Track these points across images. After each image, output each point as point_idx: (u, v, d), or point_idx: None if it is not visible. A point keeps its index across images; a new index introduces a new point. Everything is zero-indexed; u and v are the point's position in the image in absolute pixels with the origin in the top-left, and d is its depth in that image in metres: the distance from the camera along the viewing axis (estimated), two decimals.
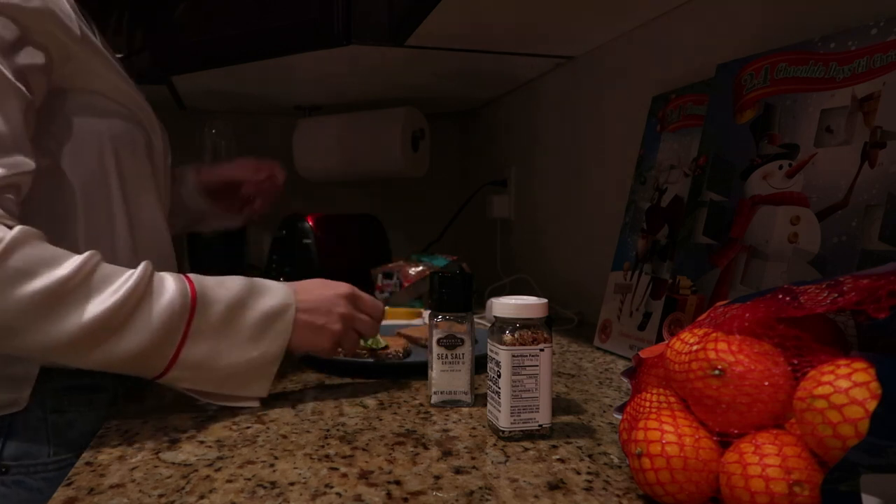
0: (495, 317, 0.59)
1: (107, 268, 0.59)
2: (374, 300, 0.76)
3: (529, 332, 0.58)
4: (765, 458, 0.39)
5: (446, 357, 0.68)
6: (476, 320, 0.75)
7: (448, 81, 1.52)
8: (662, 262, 0.92)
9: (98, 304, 0.56)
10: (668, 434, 0.43)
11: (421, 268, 1.33)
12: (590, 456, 0.55)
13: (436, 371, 0.68)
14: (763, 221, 0.71)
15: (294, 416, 0.66)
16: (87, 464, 0.53)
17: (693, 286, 0.79)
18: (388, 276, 1.34)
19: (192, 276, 0.65)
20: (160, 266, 0.68)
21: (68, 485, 0.49)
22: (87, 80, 0.70)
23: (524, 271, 1.53)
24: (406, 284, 1.32)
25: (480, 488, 0.49)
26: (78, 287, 0.56)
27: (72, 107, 0.69)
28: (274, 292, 0.68)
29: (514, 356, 0.57)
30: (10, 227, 0.55)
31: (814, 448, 0.38)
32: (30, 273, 0.54)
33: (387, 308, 1.23)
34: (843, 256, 0.62)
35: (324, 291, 0.72)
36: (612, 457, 0.55)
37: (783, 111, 0.71)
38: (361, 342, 0.80)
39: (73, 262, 0.57)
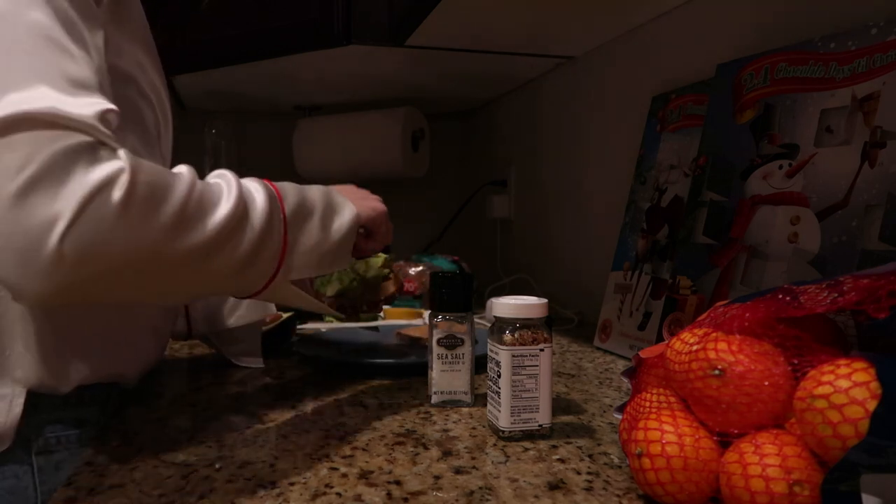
0: (495, 317, 0.59)
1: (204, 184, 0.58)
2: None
3: (529, 332, 0.58)
4: (765, 458, 0.39)
5: (446, 357, 0.68)
6: (476, 320, 0.75)
7: (448, 81, 1.52)
8: (662, 262, 0.92)
9: (222, 207, 0.55)
10: (668, 434, 0.43)
11: (421, 268, 1.33)
12: (590, 456, 0.55)
13: (436, 371, 0.68)
14: (763, 221, 0.71)
15: (294, 416, 0.66)
16: (87, 464, 0.53)
17: (693, 286, 0.79)
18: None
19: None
20: None
21: (68, 485, 0.49)
22: (130, 63, 0.68)
23: (524, 271, 1.53)
24: (406, 284, 1.32)
25: (480, 488, 0.49)
26: (200, 197, 0.54)
27: (115, 84, 0.67)
28: (315, 186, 0.69)
29: (514, 356, 0.57)
30: (117, 152, 0.50)
31: (814, 448, 0.38)
32: (159, 195, 0.50)
33: (386, 308, 1.23)
34: (843, 256, 0.62)
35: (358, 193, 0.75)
36: (612, 457, 0.55)
37: (783, 111, 0.71)
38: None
39: (186, 173, 0.54)
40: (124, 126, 0.67)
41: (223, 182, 0.57)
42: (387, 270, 0.87)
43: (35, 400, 0.63)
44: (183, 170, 0.54)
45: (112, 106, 0.52)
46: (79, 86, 0.51)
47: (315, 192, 0.67)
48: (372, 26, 1.16)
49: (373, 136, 1.63)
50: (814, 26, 0.74)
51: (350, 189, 0.76)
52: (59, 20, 0.52)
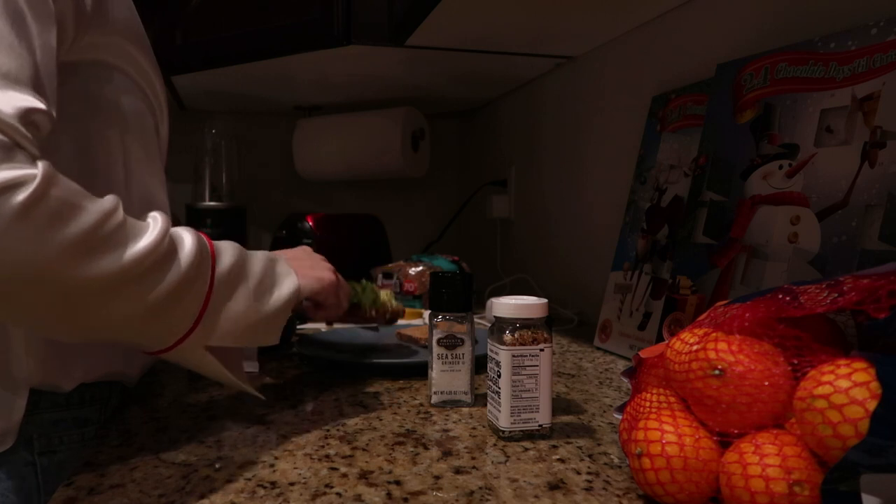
0: (495, 317, 0.59)
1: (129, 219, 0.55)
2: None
3: (529, 332, 0.58)
4: (765, 458, 0.39)
5: (446, 357, 0.68)
6: (476, 320, 0.75)
7: (448, 81, 1.52)
8: (662, 262, 0.92)
9: (139, 243, 0.51)
10: (668, 434, 0.43)
11: (421, 268, 1.33)
12: (590, 456, 0.55)
13: (436, 371, 0.68)
14: (763, 221, 0.71)
15: (294, 416, 0.66)
16: (87, 464, 0.53)
17: (693, 286, 0.79)
18: (388, 276, 1.34)
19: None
20: None
21: (68, 485, 0.49)
22: (117, 55, 0.67)
23: (524, 271, 1.53)
24: (406, 284, 1.32)
25: (480, 488, 0.49)
26: (116, 228, 0.51)
27: (99, 78, 0.66)
28: (260, 252, 0.67)
29: (514, 356, 0.57)
30: (35, 161, 0.48)
31: (814, 448, 0.38)
32: (67, 213, 0.47)
33: None
34: (843, 256, 0.62)
35: (306, 261, 0.72)
36: (612, 457, 0.55)
37: (783, 111, 0.71)
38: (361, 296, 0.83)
39: (108, 201, 0.51)
40: (109, 117, 0.66)
41: (151, 220, 0.54)
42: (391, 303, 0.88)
43: (37, 399, 0.63)
44: (108, 198, 0.51)
45: (42, 106, 0.49)
46: (9, 80, 0.48)
47: (258, 259, 0.64)
48: (372, 26, 1.16)
49: (373, 136, 1.63)
50: (814, 26, 0.74)
51: (302, 255, 0.73)
52: (5, 11, 0.49)
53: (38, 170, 0.46)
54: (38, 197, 0.45)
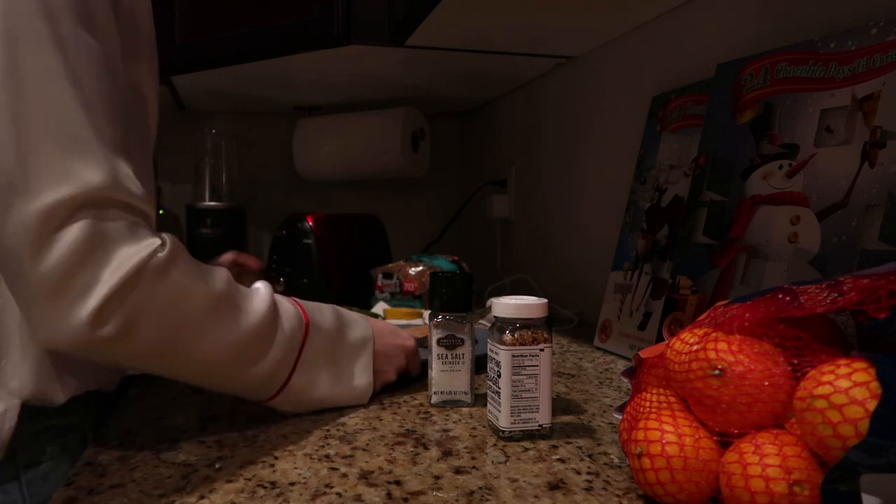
0: (495, 317, 0.59)
1: (235, 283, 0.59)
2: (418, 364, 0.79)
3: (529, 332, 0.58)
4: (765, 458, 0.39)
5: (446, 357, 0.68)
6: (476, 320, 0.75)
7: (448, 81, 1.52)
8: (662, 262, 0.92)
9: (248, 319, 0.57)
10: (668, 434, 0.43)
11: (421, 268, 1.32)
12: (590, 456, 0.55)
13: (436, 371, 0.68)
14: (763, 221, 0.71)
15: (294, 416, 0.66)
16: (88, 464, 0.53)
17: (693, 286, 0.79)
18: (388, 276, 1.34)
19: (296, 299, 0.66)
20: None
21: (68, 485, 0.49)
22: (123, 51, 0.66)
23: (524, 271, 1.53)
24: (406, 284, 1.32)
25: (480, 488, 0.49)
26: (229, 299, 0.56)
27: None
28: (359, 325, 0.71)
29: (514, 356, 0.57)
30: (161, 236, 0.52)
31: (814, 448, 0.38)
32: (192, 285, 0.53)
33: (386, 308, 1.23)
34: (843, 256, 0.62)
35: (394, 340, 0.74)
36: (612, 457, 0.55)
37: (783, 111, 0.71)
38: None
39: (222, 275, 0.56)
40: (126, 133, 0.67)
41: (257, 291, 0.60)
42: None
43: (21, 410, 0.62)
44: (221, 270, 0.56)
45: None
46: (118, 151, 0.51)
47: (347, 347, 0.68)
48: (372, 26, 1.16)
49: (373, 136, 1.63)
50: (814, 26, 0.74)
51: (385, 332, 0.74)
52: (104, 65, 0.52)
53: (165, 240, 0.51)
54: (170, 260, 0.51)
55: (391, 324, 0.78)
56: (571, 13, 1.04)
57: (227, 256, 1.07)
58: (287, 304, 0.62)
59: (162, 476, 0.51)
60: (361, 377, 0.68)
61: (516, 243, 1.64)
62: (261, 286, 0.61)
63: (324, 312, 0.67)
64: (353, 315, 0.71)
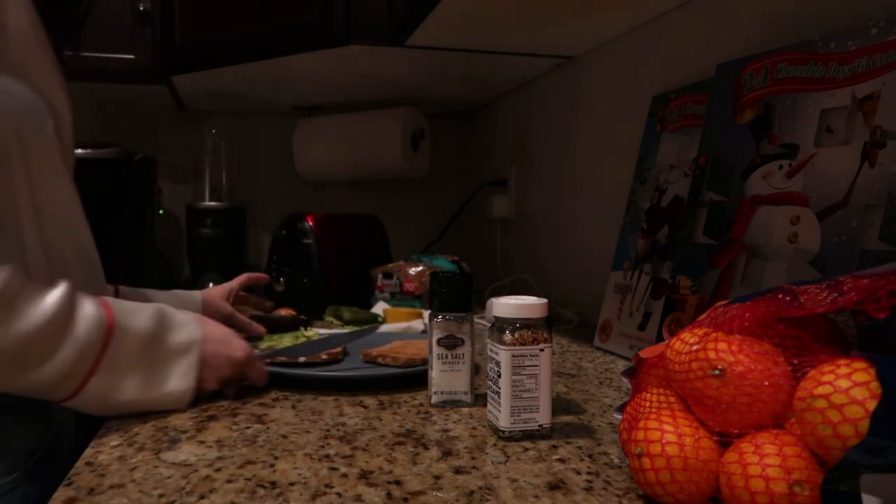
0: (495, 317, 0.59)
1: (28, 287, 0.58)
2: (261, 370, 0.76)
3: (529, 332, 0.58)
4: (765, 458, 0.39)
5: (446, 357, 0.68)
6: (476, 320, 0.75)
7: (448, 81, 1.52)
8: (662, 262, 0.92)
9: (25, 322, 0.56)
10: (668, 434, 0.43)
11: (421, 268, 1.32)
12: (590, 456, 0.55)
13: (436, 371, 0.68)
14: (763, 221, 0.71)
15: (294, 416, 0.66)
16: (88, 464, 0.53)
17: (693, 286, 0.79)
18: (388, 276, 1.34)
19: (109, 300, 0.64)
20: (79, 261, 0.68)
21: (68, 485, 0.49)
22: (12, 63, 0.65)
23: (524, 271, 1.53)
24: (406, 284, 1.32)
25: (480, 488, 0.49)
26: (5, 303, 0.56)
27: None
28: (186, 327, 0.69)
29: (514, 356, 0.57)
30: None
31: (814, 448, 0.38)
32: None
33: (387, 308, 1.23)
34: (843, 256, 0.62)
35: (220, 349, 0.71)
36: (612, 457, 0.55)
37: (783, 111, 0.71)
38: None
39: (11, 279, 0.56)
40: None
41: (48, 297, 0.58)
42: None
43: None
44: (6, 273, 0.56)
45: None
46: None
47: (166, 351, 0.66)
48: (372, 26, 1.16)
49: (373, 136, 1.63)
50: (814, 26, 0.74)
51: (215, 339, 0.71)
52: None
53: None
54: None
55: (230, 332, 0.74)
56: (571, 13, 1.04)
57: (241, 278, 1.06)
58: (88, 307, 0.61)
59: (162, 476, 0.51)
60: (180, 381, 0.66)
61: (516, 243, 1.64)
62: (57, 290, 0.60)
63: (140, 314, 0.65)
64: (182, 317, 0.69)
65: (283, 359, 0.81)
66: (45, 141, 0.68)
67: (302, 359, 0.81)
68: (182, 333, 0.68)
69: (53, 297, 0.59)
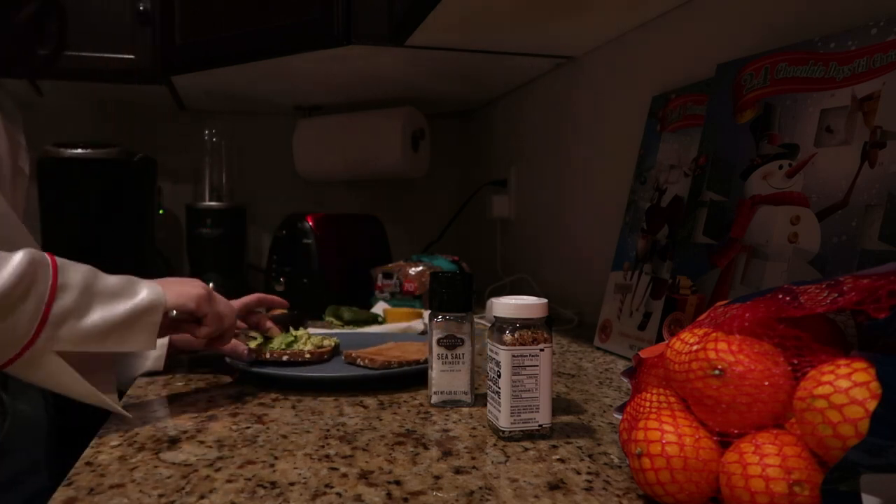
0: (495, 317, 0.59)
1: None
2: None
3: (529, 332, 0.58)
4: (765, 458, 0.39)
5: (446, 357, 0.68)
6: (476, 320, 0.75)
7: (448, 81, 1.52)
8: (662, 262, 0.92)
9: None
10: (668, 434, 0.43)
11: (421, 268, 1.33)
12: (590, 456, 0.55)
13: (436, 371, 0.68)
14: (763, 221, 0.71)
15: (294, 416, 0.66)
16: (87, 464, 0.53)
17: (693, 286, 0.79)
18: (388, 276, 1.34)
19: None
20: None
21: (68, 485, 0.49)
22: None
23: (524, 271, 1.53)
24: (406, 284, 1.32)
25: (480, 488, 0.49)
26: None
27: None
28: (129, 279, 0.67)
29: (514, 356, 0.57)
30: None
31: (814, 448, 0.38)
32: None
33: (387, 308, 1.23)
34: (843, 256, 0.62)
35: (176, 285, 0.71)
36: (612, 457, 0.55)
37: (783, 111, 0.71)
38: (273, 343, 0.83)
39: None
40: None
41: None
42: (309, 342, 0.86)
43: None
44: None
45: None
46: None
47: (114, 277, 0.64)
48: (372, 26, 1.16)
49: (373, 136, 1.63)
50: (814, 26, 0.74)
51: (170, 279, 0.72)
52: None
53: None
54: None
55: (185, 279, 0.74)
56: (571, 13, 1.04)
57: (252, 297, 1.05)
58: (17, 254, 0.59)
59: (162, 476, 0.51)
60: (149, 290, 0.65)
61: (516, 243, 1.64)
62: (20, 252, 0.58)
63: (73, 263, 0.64)
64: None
65: (267, 356, 0.81)
66: None
67: (285, 357, 0.82)
68: (120, 276, 0.66)
69: (18, 255, 0.58)
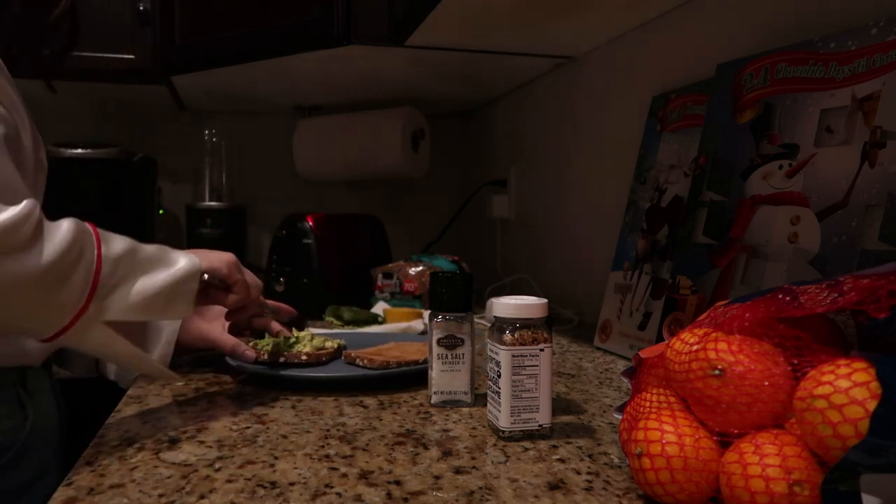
0: (495, 317, 0.59)
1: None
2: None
3: (529, 332, 0.58)
4: (765, 458, 0.39)
5: (446, 357, 0.68)
6: (476, 320, 0.75)
7: (448, 81, 1.52)
8: (662, 262, 0.92)
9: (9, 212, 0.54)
10: (668, 434, 0.43)
11: (421, 268, 1.33)
12: (590, 456, 0.55)
13: (436, 371, 0.68)
14: (763, 221, 0.71)
15: (294, 416, 0.66)
16: (87, 464, 0.53)
17: (693, 286, 0.79)
18: (388, 276, 1.34)
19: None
20: None
21: (68, 485, 0.49)
22: None
23: (524, 271, 1.53)
24: (406, 284, 1.32)
25: (480, 488, 0.49)
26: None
27: None
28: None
29: (514, 356, 0.57)
30: None
31: (814, 448, 0.38)
32: None
33: (387, 308, 1.23)
34: (843, 256, 0.62)
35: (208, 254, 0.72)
36: (612, 457, 0.55)
37: (783, 111, 0.71)
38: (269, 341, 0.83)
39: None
40: None
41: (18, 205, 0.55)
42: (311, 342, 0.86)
43: None
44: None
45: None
46: None
47: (151, 246, 0.65)
48: (372, 26, 1.16)
49: (373, 136, 1.63)
50: (814, 26, 0.74)
51: (200, 249, 0.73)
52: None
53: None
54: None
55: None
56: (571, 13, 1.04)
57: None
58: (64, 222, 0.59)
59: (162, 476, 0.51)
60: (182, 259, 0.65)
61: (516, 243, 1.64)
62: (66, 221, 0.58)
63: (112, 234, 0.64)
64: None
65: (264, 356, 0.81)
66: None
67: (282, 359, 0.82)
68: (156, 245, 0.66)
69: (65, 224, 0.58)
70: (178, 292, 0.64)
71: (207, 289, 0.73)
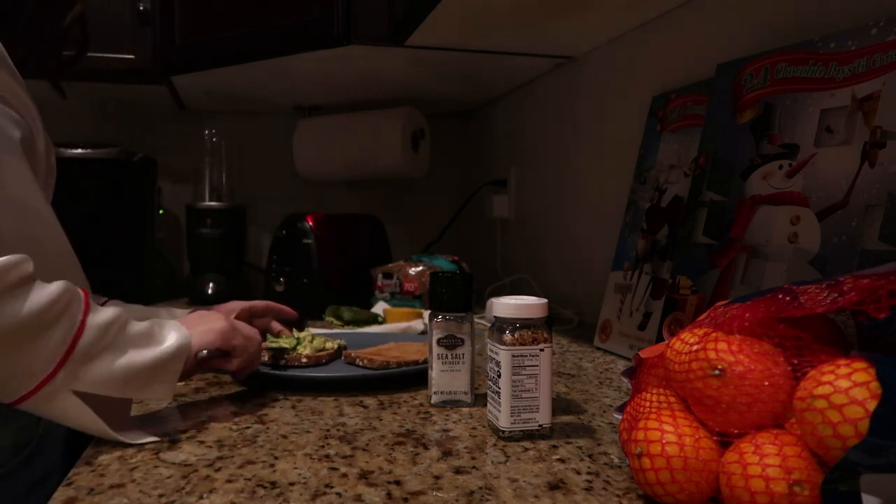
0: (495, 317, 0.59)
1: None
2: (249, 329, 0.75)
3: (529, 332, 0.58)
4: (765, 458, 0.39)
5: (446, 357, 0.68)
6: (476, 320, 0.75)
7: (448, 81, 1.52)
8: (662, 262, 0.92)
9: (35, 301, 0.53)
10: (668, 434, 0.43)
11: (421, 268, 1.33)
12: (590, 456, 0.55)
13: (436, 371, 0.68)
14: (763, 221, 0.71)
15: (294, 416, 0.66)
16: (87, 464, 0.53)
17: (693, 286, 0.79)
18: (388, 276, 1.34)
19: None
20: (71, 275, 0.65)
21: (68, 485, 0.49)
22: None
23: (524, 271, 1.53)
24: (406, 284, 1.32)
25: (480, 488, 0.49)
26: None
27: None
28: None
29: (514, 356, 0.57)
30: None
31: (814, 448, 0.38)
32: None
33: (387, 308, 1.23)
34: (843, 256, 0.62)
35: (200, 323, 0.70)
36: (612, 457, 0.55)
37: (783, 111, 0.71)
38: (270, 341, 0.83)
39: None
40: None
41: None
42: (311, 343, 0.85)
43: None
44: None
45: None
46: None
47: (142, 323, 0.63)
48: (372, 26, 1.16)
49: (373, 136, 1.63)
50: (814, 26, 0.74)
51: (194, 317, 0.71)
52: None
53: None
54: None
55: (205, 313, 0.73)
56: (571, 13, 1.04)
57: (259, 303, 1.03)
58: (56, 284, 0.58)
59: (162, 476, 0.51)
60: (176, 334, 0.63)
61: (516, 243, 1.64)
62: (59, 282, 0.57)
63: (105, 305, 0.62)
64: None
65: (265, 359, 0.81)
66: (17, 158, 0.66)
67: (283, 362, 0.82)
68: (149, 321, 0.64)
69: (55, 284, 0.57)
70: (161, 371, 0.61)
71: (209, 360, 0.70)
